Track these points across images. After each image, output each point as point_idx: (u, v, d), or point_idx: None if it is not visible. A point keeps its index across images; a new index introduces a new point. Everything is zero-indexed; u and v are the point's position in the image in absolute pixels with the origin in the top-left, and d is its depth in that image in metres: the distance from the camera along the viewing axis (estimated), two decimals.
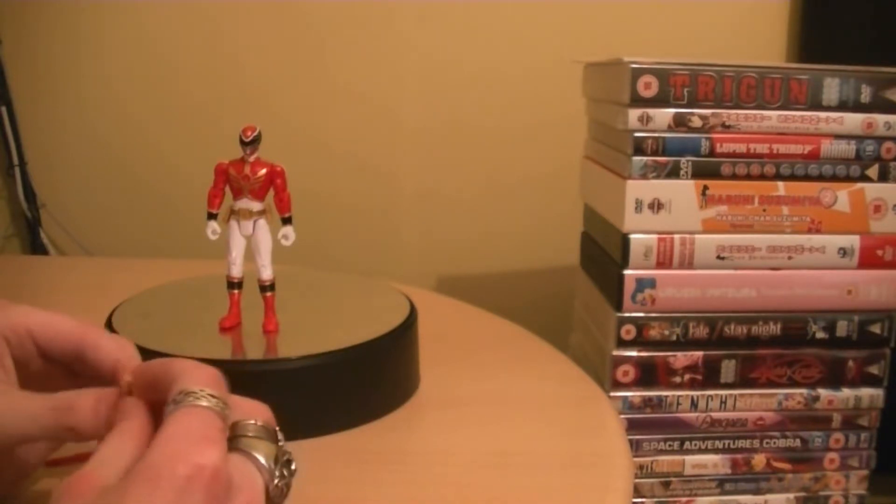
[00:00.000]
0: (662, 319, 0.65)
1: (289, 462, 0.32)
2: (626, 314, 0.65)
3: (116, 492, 0.27)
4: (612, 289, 0.66)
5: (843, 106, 0.64)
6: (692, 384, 0.67)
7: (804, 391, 0.67)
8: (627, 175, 0.64)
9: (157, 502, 0.26)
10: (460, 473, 0.46)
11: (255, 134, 0.50)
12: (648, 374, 0.66)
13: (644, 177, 0.63)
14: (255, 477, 0.30)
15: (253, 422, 0.32)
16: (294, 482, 0.44)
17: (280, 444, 0.33)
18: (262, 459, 0.31)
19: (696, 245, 0.64)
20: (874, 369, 0.68)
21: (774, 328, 0.66)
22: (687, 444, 0.68)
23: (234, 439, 0.31)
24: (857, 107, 0.64)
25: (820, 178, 0.65)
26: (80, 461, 0.44)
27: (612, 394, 0.66)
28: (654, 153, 0.63)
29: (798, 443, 0.68)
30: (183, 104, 1.02)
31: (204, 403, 0.30)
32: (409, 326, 0.55)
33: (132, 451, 0.30)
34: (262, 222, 0.52)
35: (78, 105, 1.03)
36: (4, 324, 0.37)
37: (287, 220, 0.52)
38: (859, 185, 0.65)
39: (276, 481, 0.31)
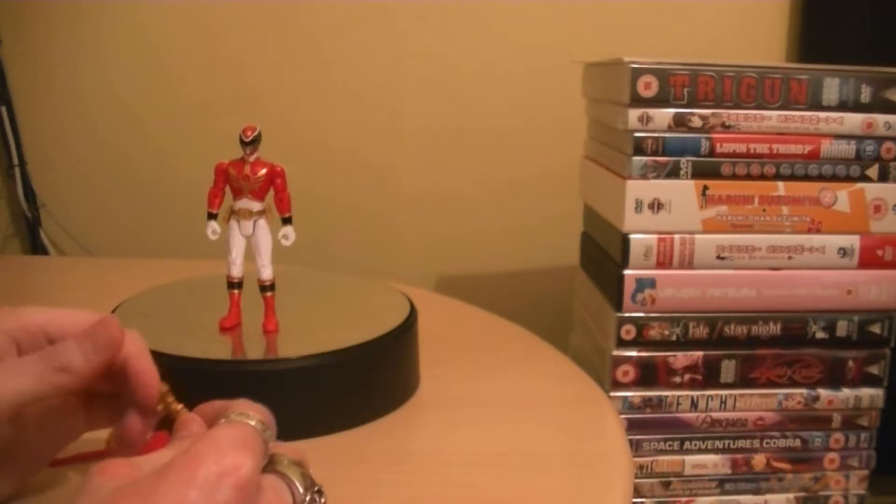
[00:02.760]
0: (662, 319, 0.65)
1: (320, 492, 0.34)
2: (626, 314, 0.65)
3: (155, 475, 0.28)
4: (612, 289, 0.66)
5: (843, 106, 0.64)
6: (692, 384, 0.67)
7: (804, 391, 0.67)
8: (627, 175, 0.64)
9: (190, 490, 0.28)
10: (460, 473, 0.46)
11: (256, 134, 0.50)
12: (648, 374, 0.66)
13: (644, 177, 0.63)
14: (286, 494, 0.32)
15: (289, 455, 0.34)
16: None
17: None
18: (295, 481, 0.33)
19: (696, 245, 0.64)
20: (874, 369, 0.68)
21: (774, 328, 0.66)
22: (687, 444, 0.68)
23: (272, 463, 0.33)
24: (857, 107, 0.64)
25: (820, 178, 0.65)
26: (80, 461, 0.45)
27: (612, 394, 0.66)
28: (654, 153, 0.63)
29: (798, 443, 0.68)
30: (183, 104, 1.02)
31: (252, 423, 0.32)
32: (409, 326, 0.55)
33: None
34: (262, 222, 0.52)
35: (78, 105, 1.03)
36: (16, 325, 0.37)
37: (287, 220, 0.52)
38: (859, 185, 0.65)
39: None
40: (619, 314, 0.65)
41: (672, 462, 0.68)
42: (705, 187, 0.64)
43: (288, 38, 1.00)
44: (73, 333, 0.37)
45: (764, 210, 0.64)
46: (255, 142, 0.50)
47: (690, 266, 0.65)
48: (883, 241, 0.66)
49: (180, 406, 0.39)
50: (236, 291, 0.54)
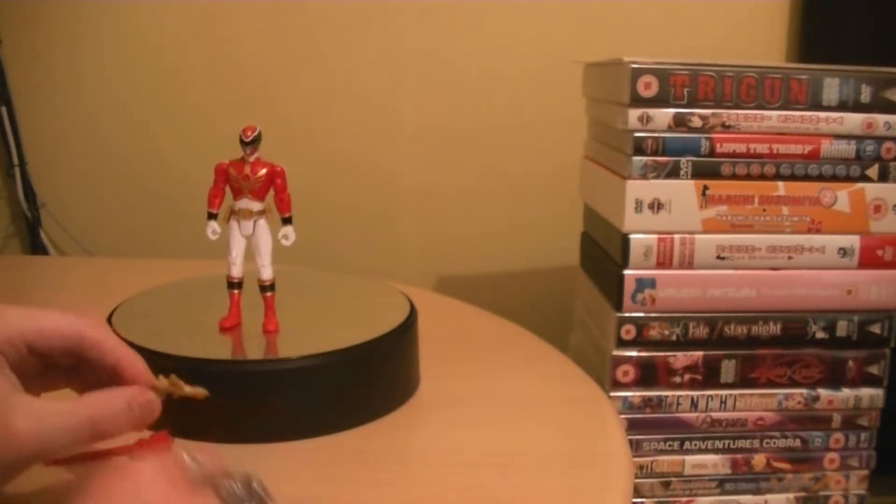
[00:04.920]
0: (662, 319, 0.65)
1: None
2: (626, 314, 0.65)
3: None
4: (612, 289, 0.66)
5: (843, 106, 0.64)
6: (692, 384, 0.67)
7: (804, 391, 0.67)
8: (627, 175, 0.64)
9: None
10: (460, 473, 0.46)
11: (256, 134, 0.50)
12: (648, 374, 0.66)
13: (644, 177, 0.63)
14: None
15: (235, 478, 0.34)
16: (294, 482, 0.44)
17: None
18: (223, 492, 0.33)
19: (696, 245, 0.64)
20: (874, 369, 0.68)
21: (774, 328, 0.66)
22: (687, 444, 0.68)
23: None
24: (857, 107, 0.64)
25: (820, 178, 0.65)
26: (79, 461, 0.44)
27: (612, 394, 0.66)
28: (654, 153, 0.63)
29: (798, 443, 0.68)
30: (183, 104, 1.02)
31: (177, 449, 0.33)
32: (409, 326, 0.55)
33: None
34: (262, 222, 0.52)
35: (78, 105, 1.03)
36: (1, 339, 0.36)
37: (287, 220, 0.52)
38: (859, 185, 0.65)
39: None
40: (619, 314, 0.65)
41: (672, 462, 0.68)
42: (705, 187, 0.64)
43: (288, 38, 1.00)
44: (55, 335, 0.37)
45: (764, 210, 0.64)
46: (255, 142, 0.50)
47: (690, 266, 0.65)
48: (883, 241, 0.66)
49: (188, 388, 0.40)
50: (236, 291, 0.54)
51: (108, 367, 0.37)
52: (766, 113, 0.64)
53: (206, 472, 0.33)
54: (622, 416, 0.66)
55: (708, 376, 0.67)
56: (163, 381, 0.40)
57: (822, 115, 0.64)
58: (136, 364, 0.38)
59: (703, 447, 0.68)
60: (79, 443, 0.35)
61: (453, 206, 1.04)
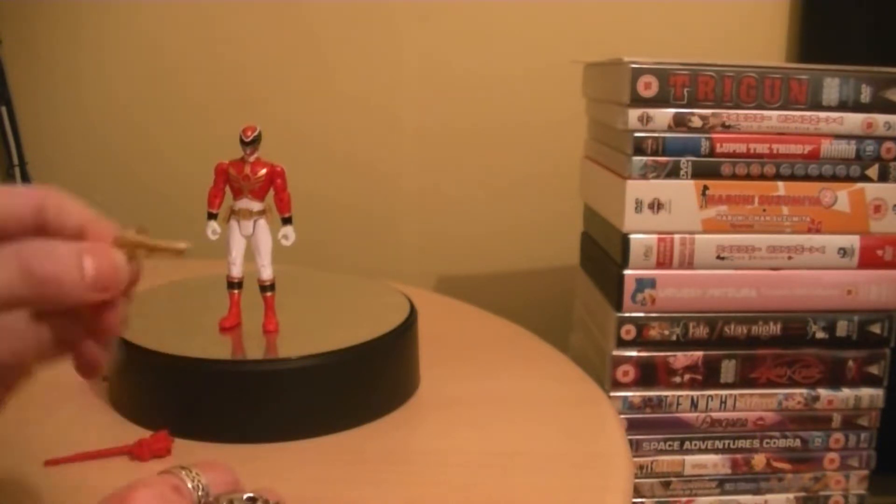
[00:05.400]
0: (662, 319, 0.65)
1: None
2: (626, 314, 0.65)
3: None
4: (612, 289, 0.66)
5: (843, 106, 0.64)
6: (692, 384, 0.67)
7: (804, 391, 0.67)
8: (627, 175, 0.64)
9: None
10: (460, 473, 0.46)
11: (256, 134, 0.50)
12: (648, 374, 0.66)
13: (644, 177, 0.63)
14: None
15: (241, 494, 0.33)
16: (294, 482, 0.44)
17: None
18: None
19: (696, 245, 0.64)
20: (874, 369, 0.68)
21: (774, 328, 0.66)
22: (687, 444, 0.68)
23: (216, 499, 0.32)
24: (857, 107, 0.64)
25: (820, 178, 0.65)
26: (79, 461, 0.45)
27: (612, 394, 0.66)
28: (654, 153, 0.63)
29: (798, 443, 0.68)
30: (183, 104, 1.02)
31: (182, 475, 0.31)
32: (409, 326, 0.55)
33: None
34: (262, 222, 0.52)
35: (78, 105, 1.03)
36: None
37: (287, 220, 0.52)
38: (859, 185, 0.65)
39: None
40: (619, 314, 0.65)
41: (672, 462, 0.68)
42: (705, 187, 0.64)
43: (288, 39, 1.00)
44: (14, 215, 0.31)
45: (764, 210, 0.64)
46: (256, 142, 0.51)
47: (690, 266, 0.65)
48: (883, 241, 0.66)
49: (162, 242, 0.35)
50: (236, 291, 0.54)
51: (72, 231, 0.33)
52: (766, 113, 0.64)
53: (207, 501, 0.31)
54: (622, 416, 0.66)
55: (708, 376, 0.67)
56: (130, 234, 0.34)
57: (822, 115, 0.64)
58: (102, 224, 0.33)
59: (703, 447, 0.68)
60: (10, 299, 0.28)
61: (453, 207, 1.04)
